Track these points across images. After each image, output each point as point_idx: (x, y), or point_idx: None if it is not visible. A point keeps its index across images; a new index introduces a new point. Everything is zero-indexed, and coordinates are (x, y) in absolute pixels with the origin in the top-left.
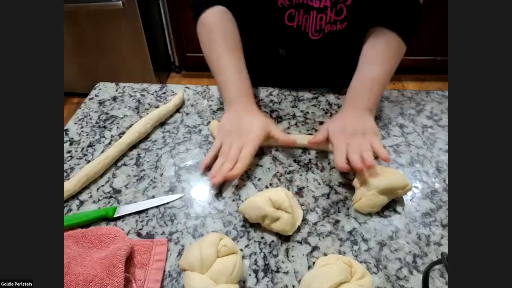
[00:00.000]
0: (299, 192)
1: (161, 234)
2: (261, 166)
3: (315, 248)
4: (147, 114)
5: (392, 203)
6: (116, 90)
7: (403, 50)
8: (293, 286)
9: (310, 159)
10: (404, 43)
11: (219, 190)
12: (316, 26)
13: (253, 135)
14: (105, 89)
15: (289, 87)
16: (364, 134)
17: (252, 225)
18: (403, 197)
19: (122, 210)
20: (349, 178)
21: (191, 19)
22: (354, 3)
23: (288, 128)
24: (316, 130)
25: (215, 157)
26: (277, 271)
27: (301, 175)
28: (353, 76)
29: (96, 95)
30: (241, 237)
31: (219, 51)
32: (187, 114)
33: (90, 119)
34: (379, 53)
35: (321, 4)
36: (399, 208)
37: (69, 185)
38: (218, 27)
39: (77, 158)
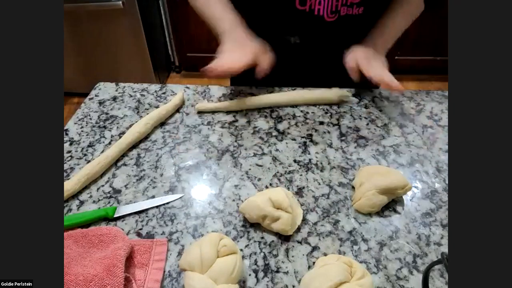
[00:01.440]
0: (299, 192)
1: (161, 234)
2: (261, 166)
3: (315, 248)
4: (147, 114)
5: (392, 203)
6: (116, 90)
7: (421, 8)
8: (293, 286)
9: (310, 159)
10: (423, 2)
11: (219, 190)
12: (332, 7)
13: (256, 48)
14: (105, 89)
15: (289, 84)
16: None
17: (252, 225)
18: (403, 197)
19: (122, 210)
20: (349, 178)
21: (191, 19)
22: None
23: (288, 128)
24: (316, 130)
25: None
26: (277, 271)
27: (301, 175)
28: (379, 21)
29: (96, 95)
30: (241, 237)
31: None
32: (187, 114)
33: (90, 119)
34: (399, 9)
35: None
36: (399, 208)
37: (69, 185)
38: None
39: (77, 158)
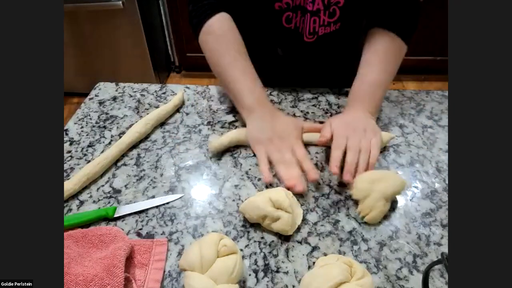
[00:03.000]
0: None
1: (161, 234)
2: None
3: (315, 248)
4: (147, 114)
5: (392, 203)
6: (116, 90)
7: (404, 50)
8: (293, 286)
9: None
10: (405, 43)
11: (219, 190)
12: (310, 28)
13: (294, 135)
14: (105, 89)
15: (288, 87)
16: (365, 131)
17: (252, 225)
18: (403, 197)
19: (122, 210)
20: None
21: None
22: (346, 5)
23: None
24: None
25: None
26: (277, 271)
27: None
28: (355, 79)
29: (96, 95)
30: (241, 237)
31: (230, 59)
32: (187, 114)
33: (90, 119)
34: (379, 56)
35: (314, 7)
36: (399, 208)
37: (69, 185)
38: (226, 34)
39: (77, 158)
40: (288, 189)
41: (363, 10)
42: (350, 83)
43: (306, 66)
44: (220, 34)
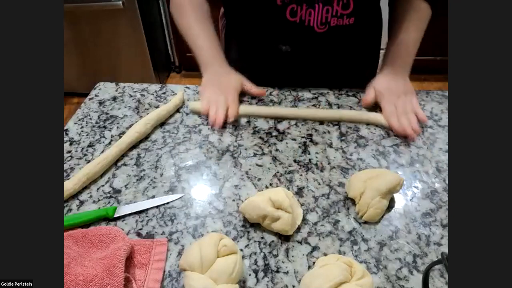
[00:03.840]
0: (299, 192)
1: (161, 234)
2: (261, 166)
3: (315, 248)
4: (147, 114)
5: (392, 203)
6: (116, 90)
7: (430, 15)
8: (293, 286)
9: (310, 159)
10: (430, 7)
11: (219, 190)
12: (322, 18)
13: (231, 87)
14: (105, 89)
15: (290, 86)
16: (405, 94)
17: (252, 225)
18: (403, 197)
19: (122, 210)
20: (348, 178)
21: None
22: None
23: (288, 128)
24: (316, 130)
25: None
26: (277, 271)
27: (301, 175)
28: (389, 40)
29: (96, 95)
30: (241, 237)
31: (190, 22)
32: (187, 114)
33: (90, 119)
34: (411, 19)
35: None
36: (399, 208)
37: (69, 185)
38: (187, 2)
39: (77, 158)
40: (212, 126)
41: (376, 5)
42: (350, 83)
43: (313, 61)
44: (181, 2)
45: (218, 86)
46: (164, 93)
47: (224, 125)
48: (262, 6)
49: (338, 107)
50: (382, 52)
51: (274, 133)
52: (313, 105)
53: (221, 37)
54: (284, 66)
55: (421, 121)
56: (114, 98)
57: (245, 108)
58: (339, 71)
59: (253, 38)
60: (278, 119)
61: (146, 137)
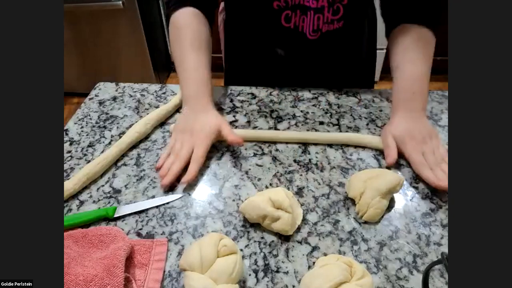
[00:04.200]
0: (299, 192)
1: (161, 234)
2: (261, 166)
3: (315, 248)
4: (147, 114)
5: (392, 203)
6: (116, 90)
7: (434, 41)
8: (293, 286)
9: (310, 159)
10: (433, 32)
11: (219, 190)
12: (314, 26)
13: (204, 135)
14: (105, 89)
15: (289, 87)
16: (430, 138)
17: (252, 225)
18: (403, 197)
19: (122, 210)
20: (348, 178)
21: None
22: (350, 2)
23: (288, 128)
24: (316, 130)
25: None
26: (277, 271)
27: (301, 175)
28: (396, 77)
29: (96, 95)
30: (241, 237)
31: (183, 50)
32: None
33: (90, 119)
34: (417, 51)
35: (318, 4)
36: (399, 208)
37: (69, 185)
38: (186, 27)
39: (77, 158)
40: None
41: (365, 8)
42: (350, 83)
43: (308, 65)
44: (179, 26)
45: (191, 129)
46: (164, 93)
47: (171, 188)
48: (259, 10)
49: (338, 107)
50: (379, 52)
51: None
52: (313, 105)
53: (219, 30)
54: (280, 68)
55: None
56: (114, 98)
57: (241, 133)
58: (335, 73)
59: (251, 40)
60: (278, 119)
61: (146, 137)
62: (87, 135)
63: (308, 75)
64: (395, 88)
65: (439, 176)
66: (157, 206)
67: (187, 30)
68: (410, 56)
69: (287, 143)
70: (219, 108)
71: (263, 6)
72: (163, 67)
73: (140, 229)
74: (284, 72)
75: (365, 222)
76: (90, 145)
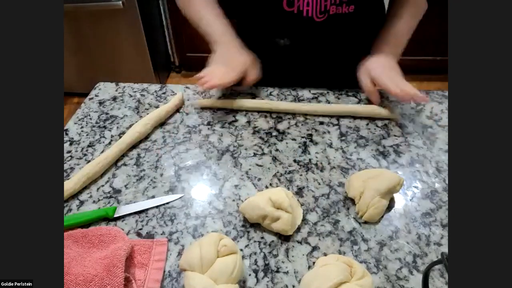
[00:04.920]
0: (299, 192)
1: (161, 234)
2: (261, 166)
3: (315, 248)
4: (147, 114)
5: (392, 203)
6: (116, 90)
7: (425, 7)
8: (293, 286)
9: (310, 159)
10: (426, 1)
11: (219, 190)
12: (321, 7)
13: (236, 64)
14: (105, 89)
15: (289, 84)
16: (398, 73)
17: (252, 225)
18: (403, 197)
19: (122, 210)
20: (348, 178)
21: None
22: None
23: (288, 128)
24: (316, 130)
25: None
26: (277, 271)
27: (301, 175)
28: (383, 28)
29: (96, 95)
30: (241, 237)
31: (198, 6)
32: (187, 114)
33: (90, 119)
34: (405, 9)
35: None
36: (399, 208)
37: (69, 185)
38: None
39: (77, 158)
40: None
41: None
42: (351, 83)
43: (314, 53)
44: None
45: (226, 61)
46: (164, 93)
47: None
48: None
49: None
50: None
51: (274, 133)
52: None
53: None
54: (282, 62)
55: (422, 101)
56: (114, 98)
57: (242, 102)
58: (341, 64)
59: (251, 33)
60: (278, 119)
61: (146, 137)
62: (87, 135)
63: (310, 68)
64: (380, 35)
65: (402, 87)
66: (157, 206)
67: None
68: (400, 12)
69: (291, 142)
70: (219, 108)
71: None
72: (163, 67)
73: (140, 229)
74: (286, 65)
75: (365, 222)
76: (90, 145)
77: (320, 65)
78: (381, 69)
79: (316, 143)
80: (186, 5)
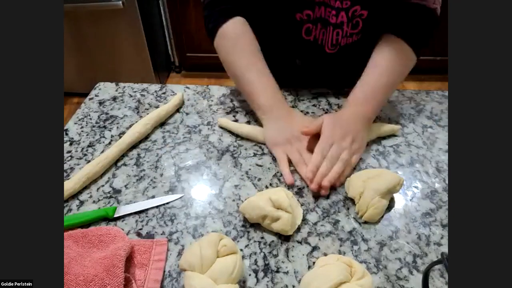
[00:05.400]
0: (299, 192)
1: (161, 234)
2: (261, 166)
3: (315, 248)
4: (147, 114)
5: (392, 203)
6: (116, 90)
7: (413, 61)
8: (293, 286)
9: None
10: (415, 53)
11: (219, 190)
12: (333, 40)
13: (296, 131)
14: (105, 89)
15: (289, 84)
16: (352, 143)
17: (252, 225)
18: (403, 197)
19: (122, 210)
20: (348, 178)
21: (191, 19)
22: (370, 16)
23: None
24: None
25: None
26: (277, 271)
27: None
28: (359, 80)
29: (96, 95)
30: (241, 237)
31: (246, 62)
32: (187, 114)
33: (90, 119)
34: (387, 62)
35: (338, 20)
36: (399, 208)
37: (69, 184)
38: (241, 38)
39: (77, 158)
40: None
41: (385, 21)
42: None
43: (324, 74)
44: (234, 37)
45: (293, 136)
46: (164, 93)
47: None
48: (282, 21)
49: (338, 107)
50: None
51: None
52: (313, 105)
53: None
54: (298, 78)
55: (338, 178)
56: (114, 98)
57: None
58: (348, 82)
59: (270, 49)
60: None
61: (146, 137)
62: (87, 135)
63: (322, 83)
64: (354, 88)
65: (321, 170)
66: (157, 206)
67: (244, 42)
68: (380, 66)
69: None
70: (219, 108)
71: (286, 18)
72: (163, 67)
73: (140, 229)
74: (301, 81)
75: (365, 222)
76: (90, 145)
77: (329, 83)
78: (333, 124)
79: None
80: (231, 55)
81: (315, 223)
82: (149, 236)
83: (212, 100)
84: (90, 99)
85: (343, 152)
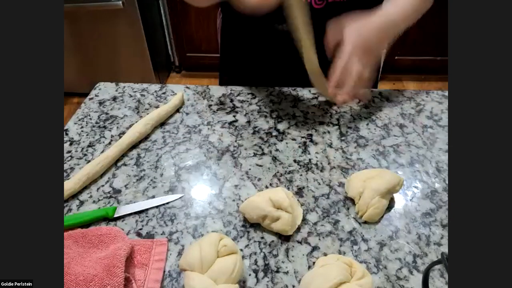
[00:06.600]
0: (299, 192)
1: (161, 234)
2: (261, 166)
3: (315, 248)
4: (147, 114)
5: (392, 203)
6: (116, 90)
7: (430, 3)
8: (293, 286)
9: (310, 159)
10: None
11: (219, 190)
12: None
13: None
14: (105, 89)
15: (289, 87)
16: (370, 55)
17: (252, 225)
18: (403, 197)
19: (122, 210)
20: (348, 178)
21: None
22: None
23: (288, 128)
24: (316, 130)
25: None
26: (277, 271)
27: (301, 175)
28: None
29: (96, 95)
30: (241, 237)
31: None
32: (187, 114)
33: (90, 119)
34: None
35: None
36: (399, 208)
37: (69, 184)
38: None
39: (77, 158)
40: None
41: None
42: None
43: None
44: None
45: None
46: (164, 93)
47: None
48: None
49: (338, 107)
50: None
51: (274, 133)
52: (313, 105)
53: (218, 35)
54: (280, 48)
55: (362, 99)
56: (114, 98)
57: None
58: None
59: (249, 22)
60: (278, 119)
61: (146, 137)
62: (87, 135)
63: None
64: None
65: (346, 89)
66: (157, 206)
67: None
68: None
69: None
70: (219, 108)
71: None
72: (163, 67)
73: (140, 229)
74: (284, 52)
75: (365, 222)
76: (90, 145)
77: (318, 51)
78: (355, 35)
79: (316, 143)
80: None
81: (315, 223)
82: (149, 236)
83: (212, 100)
84: (90, 99)
85: (364, 71)
